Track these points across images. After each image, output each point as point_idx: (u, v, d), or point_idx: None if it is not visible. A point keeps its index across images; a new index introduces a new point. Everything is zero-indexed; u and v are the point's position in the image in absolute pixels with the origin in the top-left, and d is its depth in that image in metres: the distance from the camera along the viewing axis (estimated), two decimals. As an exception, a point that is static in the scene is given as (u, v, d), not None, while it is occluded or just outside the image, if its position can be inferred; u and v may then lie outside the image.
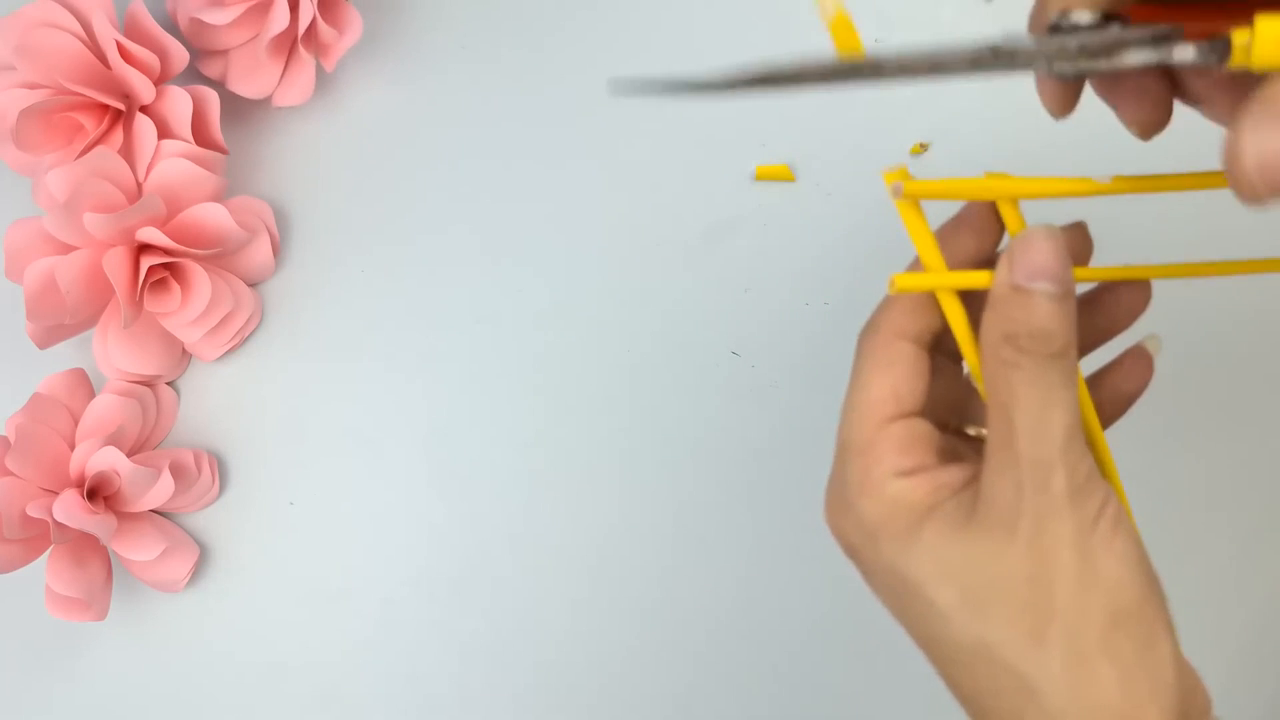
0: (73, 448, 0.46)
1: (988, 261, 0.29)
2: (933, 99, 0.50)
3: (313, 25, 0.48)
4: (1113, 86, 0.28)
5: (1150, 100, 0.28)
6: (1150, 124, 0.28)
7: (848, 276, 0.49)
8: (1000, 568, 0.25)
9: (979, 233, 0.29)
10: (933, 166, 0.50)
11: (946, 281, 0.27)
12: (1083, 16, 0.26)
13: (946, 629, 0.25)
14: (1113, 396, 0.32)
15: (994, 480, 0.25)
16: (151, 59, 0.47)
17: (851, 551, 0.28)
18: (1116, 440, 0.31)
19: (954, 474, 0.27)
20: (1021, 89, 0.50)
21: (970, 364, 0.28)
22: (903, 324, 0.28)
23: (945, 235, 0.29)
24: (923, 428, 0.28)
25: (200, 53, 0.51)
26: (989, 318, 0.26)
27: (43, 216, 0.45)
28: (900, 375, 0.28)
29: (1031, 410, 0.25)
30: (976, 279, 0.27)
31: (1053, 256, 0.25)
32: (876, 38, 0.51)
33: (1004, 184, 0.28)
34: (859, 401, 0.28)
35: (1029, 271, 0.25)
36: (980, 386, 0.27)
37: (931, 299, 0.28)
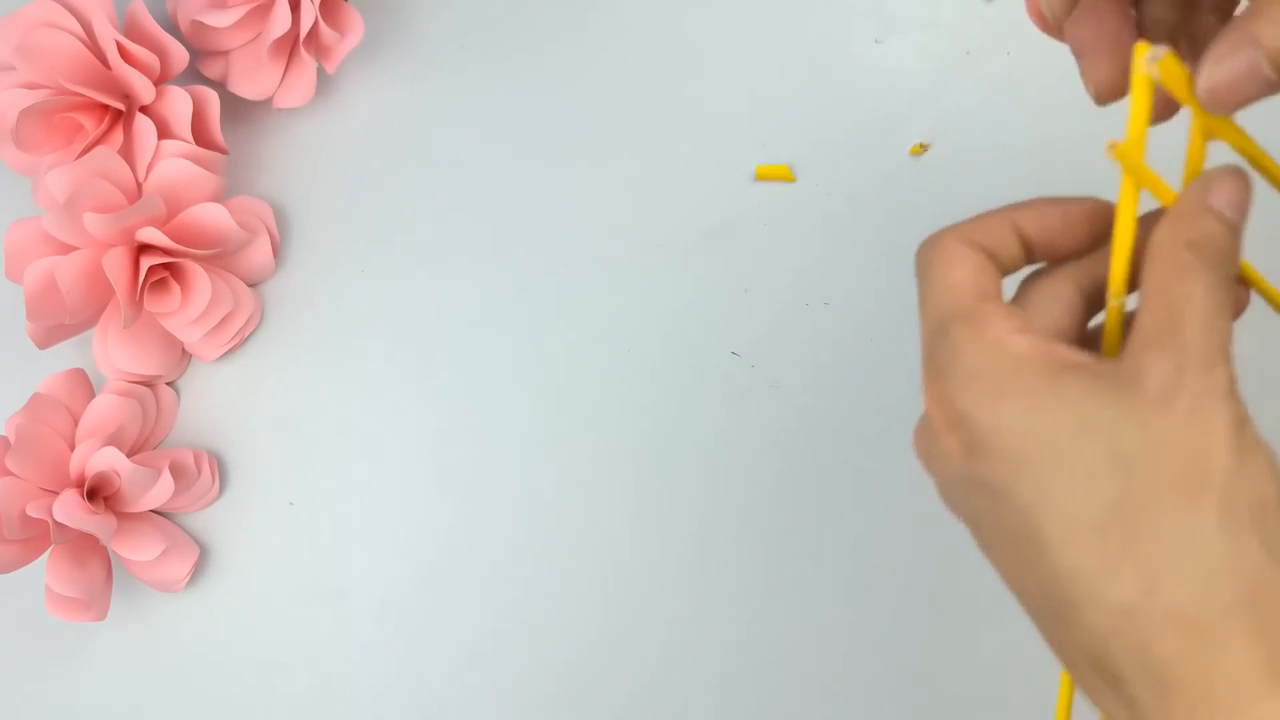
0: (73, 448, 0.46)
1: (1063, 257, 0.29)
2: (933, 99, 0.50)
3: (314, 27, 0.48)
4: (1082, 33, 0.29)
5: (1111, 55, 0.29)
6: (1108, 86, 0.29)
7: (848, 276, 0.49)
8: (1151, 433, 0.25)
9: (1093, 229, 0.29)
10: (933, 166, 0.50)
11: (1137, 172, 0.27)
12: None
13: (1088, 490, 0.25)
14: None
15: (1151, 357, 0.25)
16: (151, 59, 0.47)
17: (953, 426, 0.27)
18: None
19: (1066, 348, 0.27)
20: (1021, 89, 0.50)
21: (1115, 276, 0.28)
22: (971, 233, 0.29)
23: (1059, 225, 0.29)
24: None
25: (201, 54, 0.51)
26: (1171, 228, 0.27)
27: (43, 216, 0.45)
28: (976, 265, 0.28)
29: (1205, 311, 0.25)
30: (1163, 192, 0.28)
31: (1244, 197, 0.27)
32: (877, 38, 0.51)
33: None
34: (941, 286, 0.28)
35: (1225, 200, 0.27)
36: (1113, 303, 0.28)
37: (992, 225, 0.28)
